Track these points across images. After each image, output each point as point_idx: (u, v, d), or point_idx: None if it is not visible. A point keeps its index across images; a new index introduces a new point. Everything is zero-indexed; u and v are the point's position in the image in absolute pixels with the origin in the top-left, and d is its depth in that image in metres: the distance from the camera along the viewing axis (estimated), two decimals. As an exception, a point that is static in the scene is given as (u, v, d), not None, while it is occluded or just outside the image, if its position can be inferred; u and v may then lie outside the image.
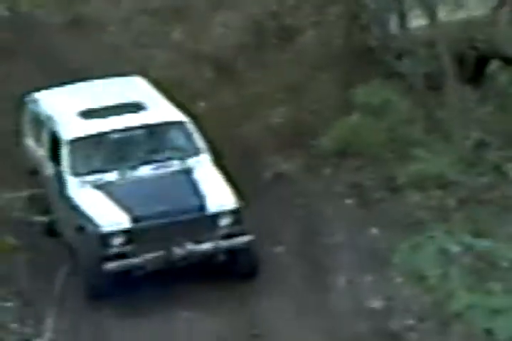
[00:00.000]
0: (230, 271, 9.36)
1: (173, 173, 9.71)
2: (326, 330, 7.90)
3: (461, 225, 8.75)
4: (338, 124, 10.13)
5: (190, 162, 9.67)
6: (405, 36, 10.74)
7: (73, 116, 9.89)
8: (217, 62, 12.05)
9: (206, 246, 9.12)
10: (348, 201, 9.72)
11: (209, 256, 9.26)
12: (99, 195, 9.39)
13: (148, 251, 9.03)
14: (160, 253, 8.99)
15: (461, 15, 11.09)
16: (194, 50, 12.91)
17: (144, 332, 8.31)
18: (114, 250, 9.09)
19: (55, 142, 9.69)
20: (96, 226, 9.00)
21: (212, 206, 9.21)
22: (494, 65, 11.19)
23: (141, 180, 9.61)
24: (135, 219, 9.01)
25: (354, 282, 8.62)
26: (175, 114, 9.94)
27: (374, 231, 9.09)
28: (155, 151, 10.08)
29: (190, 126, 9.81)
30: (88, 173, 9.59)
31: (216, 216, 9.26)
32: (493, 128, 9.61)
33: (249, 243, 9.14)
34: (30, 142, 10.28)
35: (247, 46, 12.47)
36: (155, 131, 10.18)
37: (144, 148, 10.09)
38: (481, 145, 9.37)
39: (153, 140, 10.21)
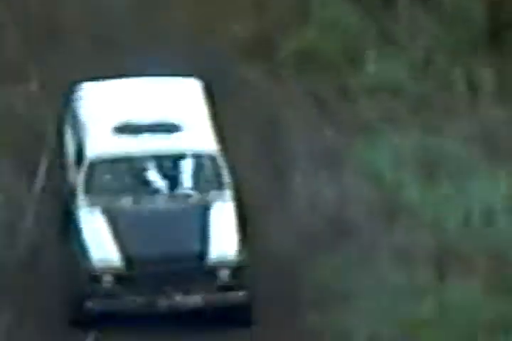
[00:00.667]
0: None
1: (189, 208, 9.48)
2: (285, 225, 9.00)
3: (411, 125, 9.65)
4: (296, 36, 10.72)
5: (211, 196, 9.44)
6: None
7: (105, 129, 9.67)
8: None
9: (196, 299, 8.91)
10: (306, 106, 10.44)
11: (198, 311, 9.07)
12: (103, 222, 9.15)
13: (134, 296, 8.81)
14: (144, 300, 8.75)
15: None
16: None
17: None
18: (100, 288, 8.95)
19: (79, 152, 9.61)
20: (87, 259, 8.93)
21: (213, 256, 9.00)
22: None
23: (152, 211, 9.40)
24: (127, 259, 8.79)
25: (310, 179, 9.54)
26: (208, 144, 9.68)
27: (329, 133, 9.85)
28: (177, 180, 9.74)
29: (220, 160, 9.55)
30: (102, 194, 9.50)
31: (215, 268, 9.03)
32: (441, 38, 10.33)
33: (245, 298, 8.99)
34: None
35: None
36: (182, 159, 9.90)
37: (166, 176, 9.76)
38: (429, 52, 10.04)
39: (178, 168, 9.86)
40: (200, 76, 10.03)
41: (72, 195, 9.45)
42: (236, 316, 9.07)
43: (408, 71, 10.33)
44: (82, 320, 8.58)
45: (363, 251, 9.48)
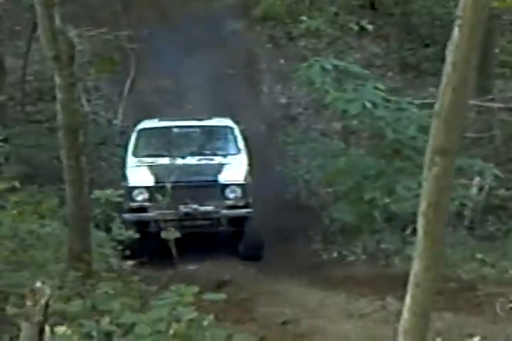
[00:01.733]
0: (237, 252, 10.03)
1: (210, 166, 10.35)
2: (259, 117, 12.11)
3: (328, 53, 12.45)
4: (263, 3, 15.02)
5: (229, 159, 10.48)
6: None
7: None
8: None
9: (208, 209, 9.84)
10: (268, 45, 14.35)
11: (213, 221, 10.03)
12: (145, 169, 10.26)
13: (162, 209, 9.36)
14: (170, 210, 9.34)
15: None
16: None
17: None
18: (137, 203, 9.94)
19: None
20: (127, 182, 10.02)
21: (223, 179, 9.97)
22: None
23: (183, 165, 10.26)
24: (157, 181, 9.70)
25: (272, 89, 13.19)
26: (226, 121, 10.89)
27: (282, 61, 13.65)
28: (204, 147, 10.92)
29: (237, 131, 10.76)
30: (145, 156, 10.56)
31: (224, 186, 10.02)
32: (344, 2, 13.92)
33: (249, 215, 9.86)
34: None
35: None
36: (207, 131, 11.18)
37: (195, 143, 11.02)
38: (337, 10, 13.34)
39: (205, 138, 11.17)
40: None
41: (123, 162, 10.54)
42: (242, 231, 9.93)
43: (325, 22, 12.96)
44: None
45: (302, 131, 12.70)
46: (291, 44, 14.51)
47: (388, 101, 10.30)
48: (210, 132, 11.06)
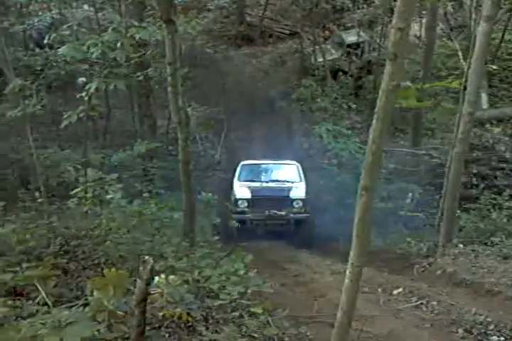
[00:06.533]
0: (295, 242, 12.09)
1: (284, 187, 12.71)
2: (292, 154, 15.84)
3: (332, 121, 18.24)
4: (297, 91, 20.12)
5: (295, 184, 13.02)
6: None
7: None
8: None
9: (283, 212, 12.09)
10: (298, 115, 19.61)
11: (285, 221, 12.09)
12: (245, 188, 12.76)
13: (255, 212, 12.09)
14: (260, 213, 11.97)
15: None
16: None
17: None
18: (240, 208, 12.22)
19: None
20: (234, 196, 12.61)
21: (292, 195, 12.41)
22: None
23: (267, 186, 12.84)
24: (252, 196, 12.37)
25: (299, 139, 18.00)
26: (293, 161, 13.71)
27: (305, 124, 18.91)
28: (280, 176, 13.45)
29: (299, 168, 13.54)
30: (244, 180, 13.21)
31: (292, 200, 12.33)
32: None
33: (307, 218, 12.05)
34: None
35: None
36: (282, 167, 13.83)
37: (275, 174, 13.60)
38: None
39: (280, 171, 13.73)
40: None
41: (231, 183, 13.36)
42: (302, 229, 12.15)
43: (329, 103, 18.92)
44: (232, 227, 10.23)
45: (315, 163, 16.07)
46: (310, 114, 19.51)
47: (362, 149, 15.11)
48: (284, 168, 13.88)
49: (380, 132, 2.82)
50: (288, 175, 13.45)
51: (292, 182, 13.04)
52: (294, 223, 12.27)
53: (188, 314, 3.79)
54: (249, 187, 12.76)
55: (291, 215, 12.20)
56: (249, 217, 12.15)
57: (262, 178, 13.39)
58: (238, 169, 13.59)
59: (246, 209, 12.36)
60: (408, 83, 2.53)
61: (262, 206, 12.17)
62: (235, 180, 13.32)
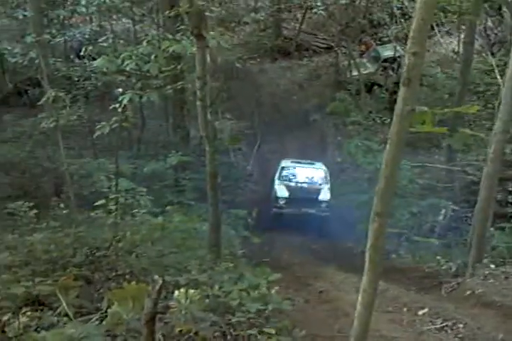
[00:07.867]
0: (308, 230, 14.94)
1: (314, 188, 16.20)
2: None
3: (365, 135, 18.85)
4: (331, 105, 20.47)
5: (321, 186, 16.35)
6: None
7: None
8: None
9: (311, 210, 15.56)
10: (332, 129, 20.29)
11: (312, 217, 15.34)
12: (283, 186, 16.21)
13: (291, 208, 15.63)
14: (296, 209, 15.52)
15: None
16: None
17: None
18: (280, 204, 15.82)
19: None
20: (275, 193, 16.12)
21: (320, 197, 15.88)
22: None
23: (301, 186, 16.31)
24: (290, 194, 15.92)
25: (332, 153, 18.83)
26: (323, 166, 16.95)
27: (339, 138, 19.41)
28: (312, 178, 16.65)
29: (327, 172, 16.69)
30: (283, 180, 16.48)
31: (320, 201, 15.86)
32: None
33: (327, 216, 15.43)
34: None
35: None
36: (313, 169, 16.98)
37: (308, 176, 16.73)
38: None
39: (312, 173, 16.83)
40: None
41: (272, 182, 16.69)
42: (320, 222, 15.33)
43: (362, 117, 19.37)
44: (272, 217, 15.80)
45: (347, 177, 17.52)
46: (344, 128, 20.08)
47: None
48: (315, 170, 16.93)
49: (394, 157, 2.87)
50: (318, 177, 16.53)
51: (320, 184, 16.28)
52: (319, 218, 15.33)
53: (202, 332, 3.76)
54: (287, 187, 16.09)
55: (318, 213, 15.47)
56: (286, 211, 15.57)
57: (297, 179, 16.49)
58: (278, 169, 16.62)
59: (284, 205, 15.77)
60: (424, 108, 2.43)
61: (297, 204, 15.43)
62: (276, 179, 16.43)
